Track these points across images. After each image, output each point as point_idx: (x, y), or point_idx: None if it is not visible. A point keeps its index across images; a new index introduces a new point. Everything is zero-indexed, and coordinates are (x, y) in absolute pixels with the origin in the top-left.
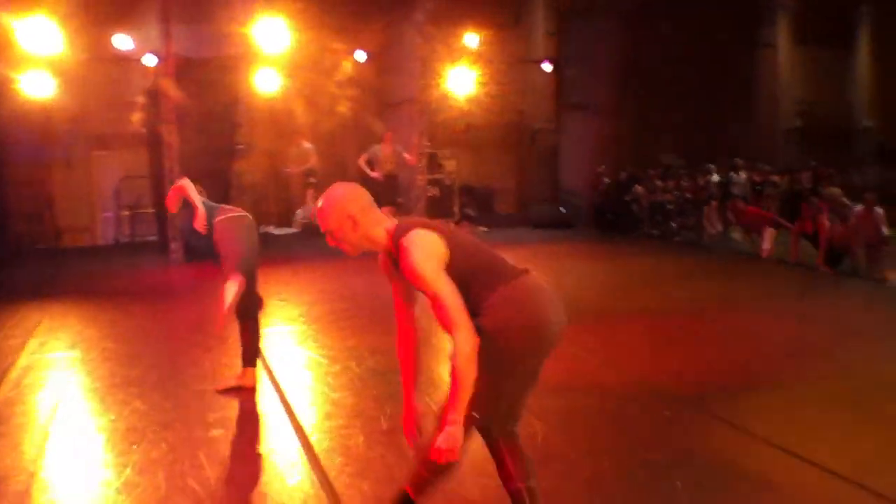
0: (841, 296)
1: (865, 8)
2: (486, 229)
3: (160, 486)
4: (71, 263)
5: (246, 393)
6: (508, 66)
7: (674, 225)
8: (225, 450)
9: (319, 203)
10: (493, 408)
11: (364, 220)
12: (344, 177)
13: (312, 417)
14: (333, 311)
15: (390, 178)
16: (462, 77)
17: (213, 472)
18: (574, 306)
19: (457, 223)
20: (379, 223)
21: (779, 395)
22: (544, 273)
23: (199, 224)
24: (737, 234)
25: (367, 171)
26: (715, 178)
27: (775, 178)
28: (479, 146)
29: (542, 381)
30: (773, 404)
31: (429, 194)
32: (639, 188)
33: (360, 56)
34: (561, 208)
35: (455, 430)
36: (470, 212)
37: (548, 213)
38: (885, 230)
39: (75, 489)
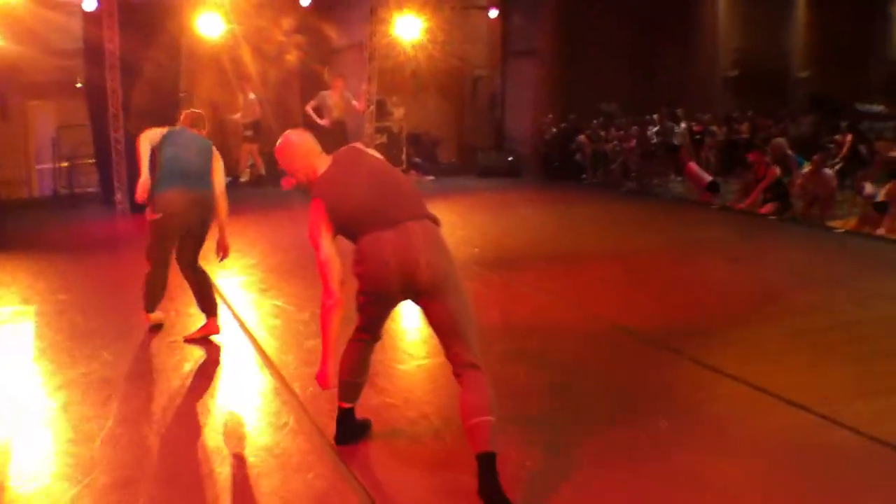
0: (790, 242)
1: None
2: (432, 178)
3: (146, 435)
4: (11, 217)
5: (216, 341)
6: (453, 12)
7: (621, 173)
8: (208, 399)
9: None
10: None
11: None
12: (289, 125)
13: (290, 364)
14: (288, 260)
15: (338, 126)
16: (408, 23)
17: (199, 421)
18: (532, 252)
19: (404, 171)
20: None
21: (742, 335)
22: (496, 221)
23: (139, 194)
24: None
25: (315, 118)
26: (656, 127)
27: (714, 127)
28: (423, 93)
29: (515, 325)
30: (738, 343)
31: (377, 142)
32: (582, 137)
33: (304, 0)
34: (509, 157)
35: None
36: (418, 160)
37: (494, 160)
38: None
39: (57, 445)
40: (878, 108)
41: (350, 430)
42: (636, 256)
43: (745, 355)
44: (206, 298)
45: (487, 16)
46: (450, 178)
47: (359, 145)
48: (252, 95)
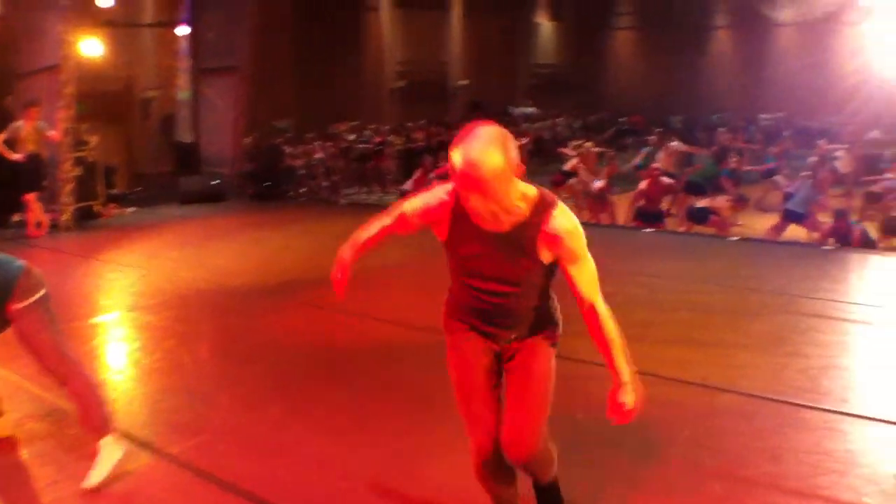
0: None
1: None
2: (133, 209)
3: None
4: None
5: None
6: (119, 30)
7: (324, 185)
8: None
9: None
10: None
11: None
12: None
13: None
14: None
15: (33, 159)
16: (93, 43)
17: None
18: (305, 274)
19: (104, 206)
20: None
21: None
22: (240, 248)
23: None
24: None
25: (6, 152)
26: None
27: (391, 137)
28: (103, 118)
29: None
30: None
31: (73, 174)
32: (287, 151)
33: None
34: (213, 181)
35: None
36: (116, 192)
37: (198, 185)
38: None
39: None
40: (529, 109)
41: None
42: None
43: None
44: None
45: (161, 34)
46: (150, 207)
47: None
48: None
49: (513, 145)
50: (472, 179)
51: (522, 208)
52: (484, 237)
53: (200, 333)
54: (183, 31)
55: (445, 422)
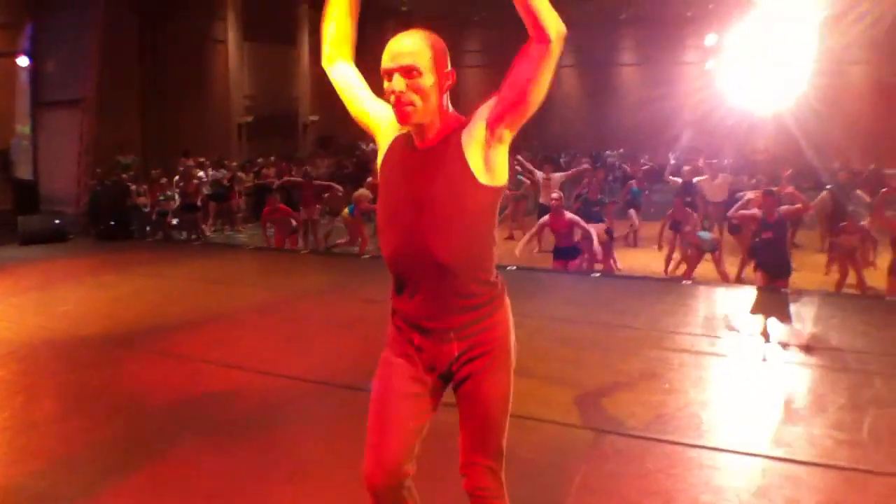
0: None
1: (307, 6)
2: None
3: None
4: None
5: None
6: None
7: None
8: None
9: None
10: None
11: (446, 87)
12: None
13: None
14: None
15: None
16: None
17: None
18: (157, 321)
19: None
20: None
21: None
22: (89, 294)
23: None
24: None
25: None
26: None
27: (241, 173)
28: None
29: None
30: None
31: None
32: (132, 188)
33: None
34: (56, 220)
35: None
36: None
37: (39, 225)
38: None
39: None
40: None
41: None
42: (273, 309)
43: None
44: None
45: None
46: None
47: None
48: None
49: (446, 52)
50: (397, 53)
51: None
52: (411, 159)
53: (53, 388)
54: (23, 61)
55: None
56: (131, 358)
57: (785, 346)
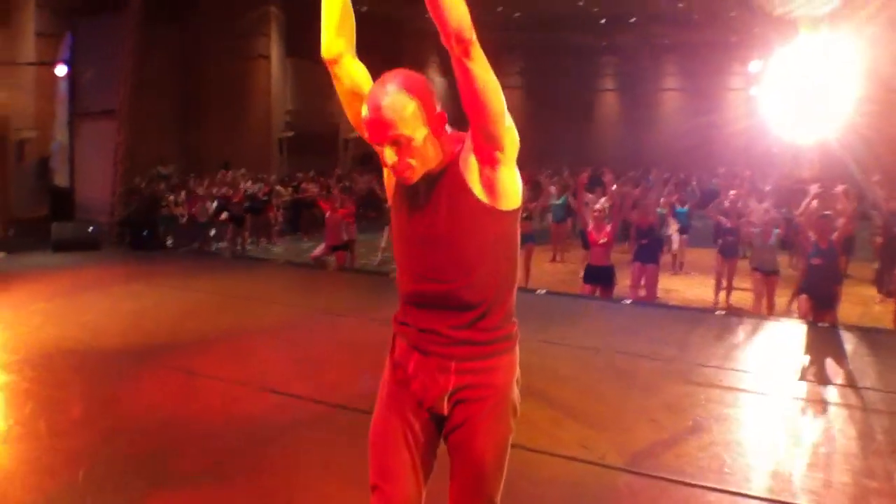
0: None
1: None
2: (2, 255)
3: None
4: None
5: None
6: (14, 68)
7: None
8: None
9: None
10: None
11: (438, 128)
12: None
13: None
14: None
15: None
16: None
17: None
18: (187, 335)
19: None
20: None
21: None
22: (121, 304)
23: None
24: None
25: None
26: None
27: (279, 187)
28: None
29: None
30: None
31: None
32: (169, 199)
33: None
34: (89, 228)
35: None
36: None
37: (72, 233)
38: None
39: None
40: None
41: None
42: (288, 328)
43: None
44: None
45: (40, 73)
46: (21, 254)
47: None
48: None
49: (432, 92)
50: (379, 125)
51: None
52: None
53: (62, 400)
54: (61, 71)
55: None
56: (143, 372)
57: (822, 384)
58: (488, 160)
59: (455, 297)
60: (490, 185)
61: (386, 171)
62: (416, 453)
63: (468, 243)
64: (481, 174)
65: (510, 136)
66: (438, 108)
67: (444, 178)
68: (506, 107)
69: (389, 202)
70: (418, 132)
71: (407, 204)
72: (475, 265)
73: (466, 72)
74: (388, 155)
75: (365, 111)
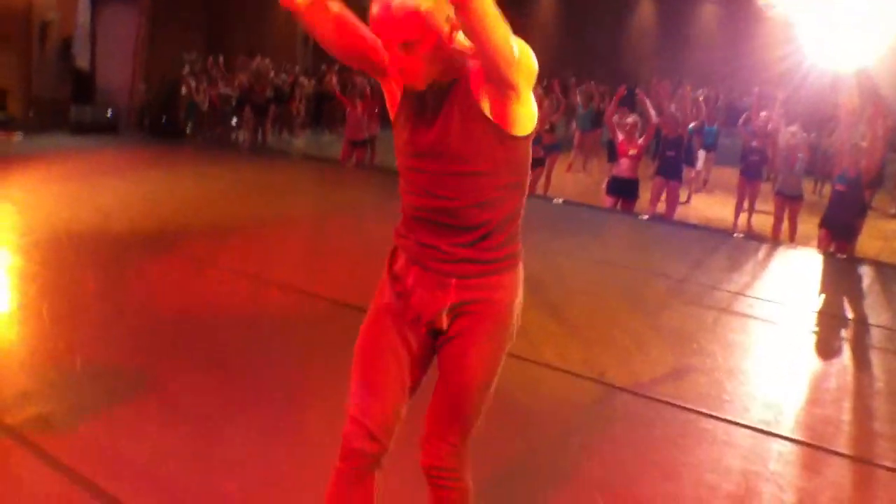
0: None
1: None
2: (21, 136)
3: None
4: None
5: None
6: None
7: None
8: None
9: None
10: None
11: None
12: None
13: None
14: None
15: None
16: None
17: None
18: (193, 223)
19: None
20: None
21: None
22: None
23: None
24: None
25: None
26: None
27: (303, 79)
28: None
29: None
30: None
31: None
32: (191, 85)
33: None
34: (108, 113)
35: None
36: (3, 117)
37: (90, 116)
38: None
39: None
40: None
41: None
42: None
43: None
44: None
45: None
46: (39, 135)
47: None
48: None
49: None
50: (390, 22)
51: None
52: (424, 101)
53: (67, 283)
54: None
55: (320, 429)
56: (152, 259)
57: (834, 318)
58: (500, 96)
59: (459, 214)
60: (502, 114)
61: (386, 86)
62: (405, 366)
63: (477, 162)
64: (493, 102)
65: (525, 72)
66: (451, 13)
67: (455, 93)
68: (516, 44)
69: (391, 115)
70: (432, 32)
71: (413, 114)
72: (482, 184)
73: (467, 21)
74: (398, 56)
75: (375, 8)
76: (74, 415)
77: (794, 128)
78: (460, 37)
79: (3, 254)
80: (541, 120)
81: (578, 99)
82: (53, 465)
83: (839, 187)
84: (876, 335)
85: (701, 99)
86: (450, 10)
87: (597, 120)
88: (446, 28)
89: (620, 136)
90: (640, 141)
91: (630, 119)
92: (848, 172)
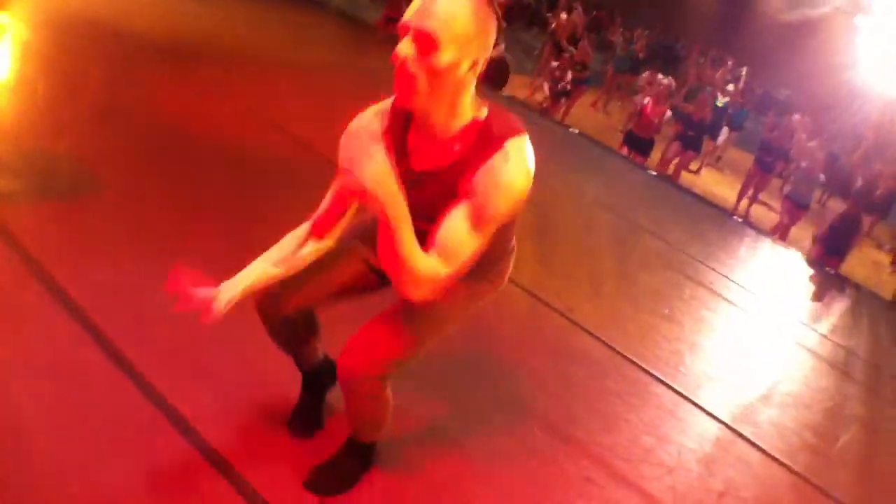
0: None
1: None
2: None
3: None
4: None
5: None
6: None
7: None
8: None
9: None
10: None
11: (473, 77)
12: None
13: None
14: None
15: None
16: None
17: None
18: (209, 46)
19: None
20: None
21: None
22: None
23: None
24: None
25: None
26: None
27: None
28: None
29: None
30: None
31: None
32: None
33: None
34: None
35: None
36: None
37: None
38: None
39: None
40: None
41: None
42: (323, 72)
43: None
44: None
45: None
46: None
47: None
48: None
49: (489, 29)
50: (424, 10)
51: (465, 124)
52: (414, 178)
53: (69, 69)
54: None
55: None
56: (160, 65)
57: (806, 327)
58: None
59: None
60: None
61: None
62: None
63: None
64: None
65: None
66: (488, 53)
67: (449, 171)
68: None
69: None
70: (450, 50)
71: (398, 150)
72: None
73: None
74: (405, 45)
75: (408, 12)
76: (40, 195)
77: (814, 143)
78: (476, 101)
79: (12, 26)
80: (574, 61)
81: (619, 39)
82: (4, 237)
83: (848, 203)
84: (841, 355)
85: (742, 79)
86: (479, 55)
87: (633, 65)
88: (455, 62)
89: (648, 99)
90: (665, 107)
91: (665, 80)
92: (860, 190)
